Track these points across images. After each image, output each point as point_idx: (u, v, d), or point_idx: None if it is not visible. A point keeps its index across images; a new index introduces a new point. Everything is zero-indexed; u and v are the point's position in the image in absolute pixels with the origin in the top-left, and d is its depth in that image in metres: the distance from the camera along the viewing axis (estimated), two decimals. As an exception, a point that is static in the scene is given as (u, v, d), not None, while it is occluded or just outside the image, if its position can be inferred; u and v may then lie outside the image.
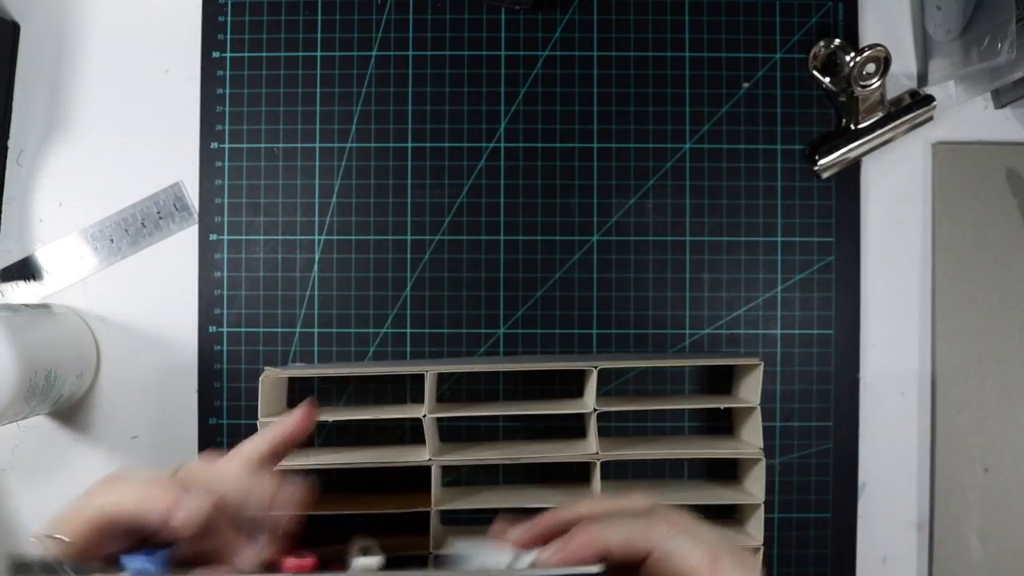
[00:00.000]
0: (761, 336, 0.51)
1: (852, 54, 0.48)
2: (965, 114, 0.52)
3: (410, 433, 0.51)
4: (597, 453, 0.46)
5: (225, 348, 0.51)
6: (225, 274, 0.51)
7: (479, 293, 0.51)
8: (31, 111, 0.52)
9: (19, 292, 0.52)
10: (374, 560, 0.30)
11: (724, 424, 0.52)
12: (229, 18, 0.52)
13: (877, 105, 0.50)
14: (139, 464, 0.52)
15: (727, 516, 0.51)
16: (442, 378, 0.51)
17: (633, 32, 0.52)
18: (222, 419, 0.51)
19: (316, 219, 0.52)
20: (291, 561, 0.29)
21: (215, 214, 0.52)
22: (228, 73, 0.52)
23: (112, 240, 0.52)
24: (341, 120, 0.52)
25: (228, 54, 0.52)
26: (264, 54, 0.52)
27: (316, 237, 0.52)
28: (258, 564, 0.29)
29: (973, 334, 0.51)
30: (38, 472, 0.52)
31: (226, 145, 0.52)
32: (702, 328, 0.51)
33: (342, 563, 0.30)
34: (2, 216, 0.52)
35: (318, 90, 0.52)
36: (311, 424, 0.37)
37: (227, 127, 0.52)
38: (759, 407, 0.47)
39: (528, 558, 0.32)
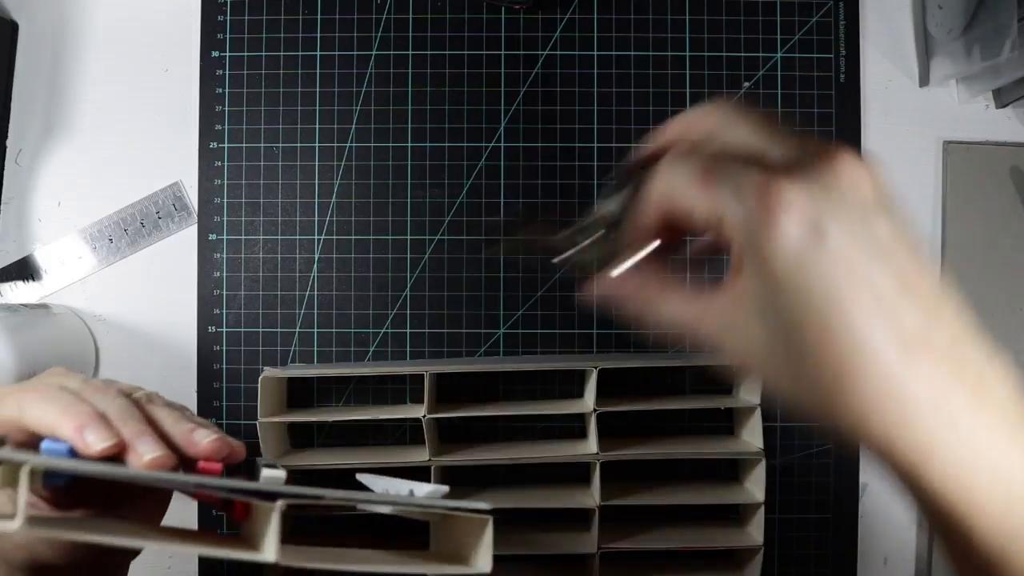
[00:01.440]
0: (762, 336, 0.51)
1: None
2: (966, 113, 0.52)
3: (410, 433, 0.51)
4: (597, 453, 0.46)
5: (224, 348, 0.51)
6: (224, 274, 0.51)
7: (479, 293, 0.51)
8: (30, 110, 0.52)
9: (18, 292, 0.52)
10: (280, 473, 0.29)
11: (724, 424, 0.52)
12: (228, 17, 0.52)
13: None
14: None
15: (727, 516, 0.51)
16: (442, 378, 0.51)
17: (633, 32, 0.52)
18: (221, 419, 0.51)
19: (316, 219, 0.51)
20: (202, 464, 0.30)
21: (214, 214, 0.51)
22: (227, 72, 0.52)
23: (111, 240, 0.52)
24: (341, 120, 0.52)
25: (227, 53, 0.52)
26: (263, 54, 0.52)
27: (316, 237, 0.51)
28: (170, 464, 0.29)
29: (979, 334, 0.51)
30: (37, 472, 0.52)
31: (225, 145, 0.51)
32: (702, 328, 0.51)
33: (252, 474, 0.30)
34: (1, 216, 0.52)
35: (318, 90, 0.52)
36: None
37: (226, 127, 0.51)
38: (760, 407, 0.47)
39: (426, 489, 0.31)
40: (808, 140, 0.24)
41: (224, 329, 0.51)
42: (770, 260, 0.21)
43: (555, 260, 0.28)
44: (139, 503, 0.34)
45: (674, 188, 0.24)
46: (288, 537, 0.26)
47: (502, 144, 0.52)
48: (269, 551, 0.26)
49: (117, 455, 0.28)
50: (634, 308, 0.27)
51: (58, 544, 0.29)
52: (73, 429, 0.28)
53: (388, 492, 0.33)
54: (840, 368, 0.21)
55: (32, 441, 0.29)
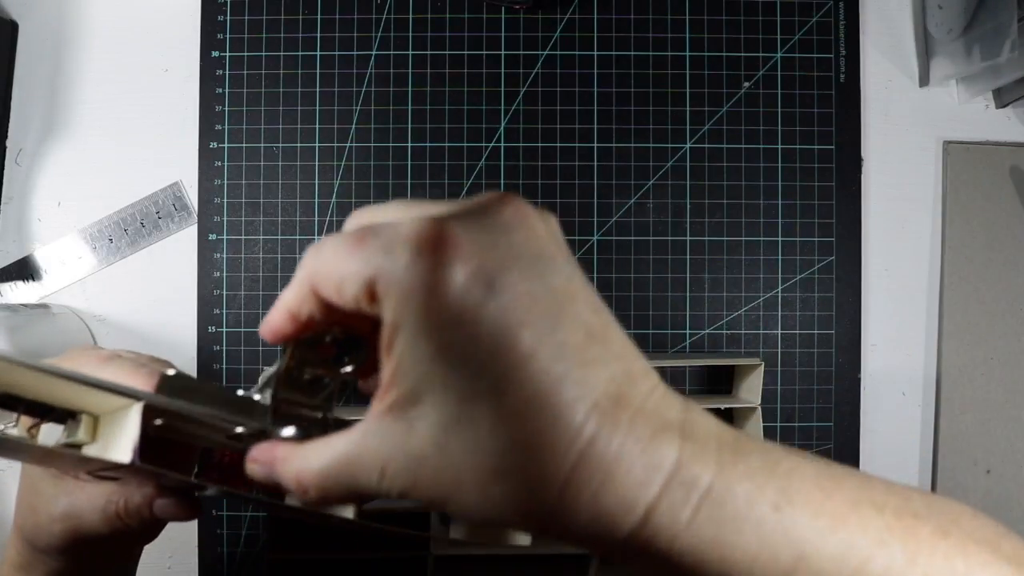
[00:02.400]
0: (762, 336, 0.51)
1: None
2: (966, 113, 0.52)
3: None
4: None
5: (224, 348, 0.51)
6: (224, 274, 0.51)
7: (479, 293, 0.51)
8: (30, 110, 0.52)
9: (18, 292, 0.52)
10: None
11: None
12: (228, 17, 0.52)
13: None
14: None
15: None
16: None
17: (633, 32, 0.52)
18: (221, 419, 0.51)
19: (316, 219, 0.51)
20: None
21: (214, 214, 0.51)
22: (227, 72, 0.52)
23: (111, 240, 0.52)
24: (341, 120, 0.52)
25: (227, 53, 0.52)
26: (263, 54, 0.52)
27: (316, 237, 0.51)
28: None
29: (980, 335, 0.51)
30: (36, 472, 0.52)
31: (225, 145, 0.51)
32: (702, 328, 0.51)
33: None
34: (1, 216, 0.52)
35: (318, 90, 0.52)
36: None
37: (226, 127, 0.51)
38: (760, 407, 0.47)
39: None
40: (471, 197, 0.20)
41: (224, 329, 0.51)
42: (434, 317, 0.18)
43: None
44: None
45: (322, 262, 0.20)
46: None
47: (502, 144, 0.52)
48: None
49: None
50: (262, 476, 0.22)
51: (111, 512, 0.29)
52: (150, 389, 0.28)
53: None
54: (527, 444, 0.17)
55: None
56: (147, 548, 0.34)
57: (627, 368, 0.19)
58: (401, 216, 0.20)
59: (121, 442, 0.24)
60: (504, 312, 0.18)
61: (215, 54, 0.52)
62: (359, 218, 0.22)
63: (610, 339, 0.19)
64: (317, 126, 0.52)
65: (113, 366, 0.29)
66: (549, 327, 0.18)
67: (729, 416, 0.51)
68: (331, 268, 0.19)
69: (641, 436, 0.18)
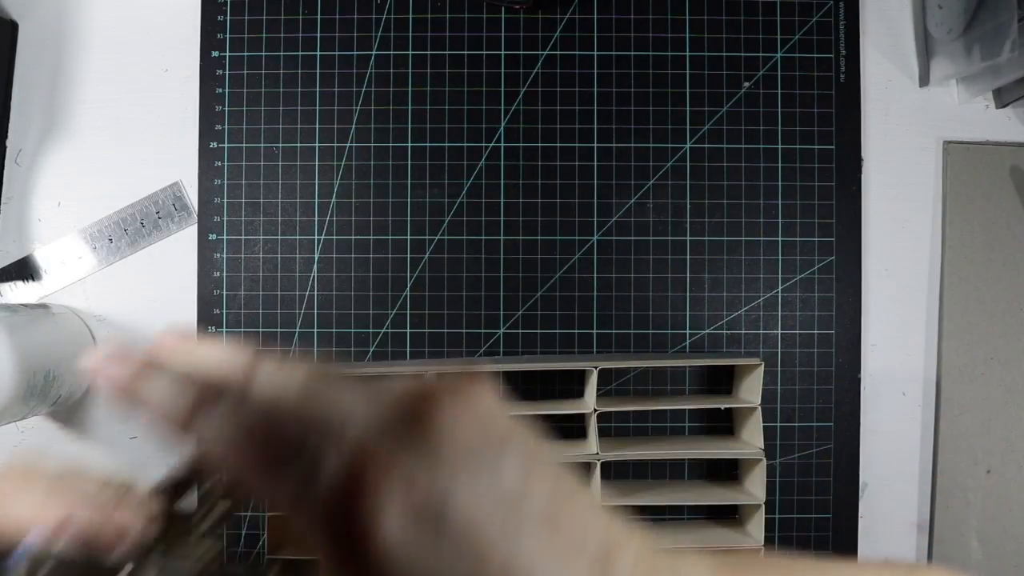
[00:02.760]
0: (762, 336, 0.51)
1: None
2: (966, 113, 0.52)
3: (410, 433, 0.51)
4: (597, 453, 0.46)
5: (224, 348, 0.51)
6: (224, 274, 0.51)
7: (479, 293, 0.51)
8: (30, 110, 0.52)
9: (18, 292, 0.52)
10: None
11: (725, 424, 0.52)
12: (228, 17, 0.52)
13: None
14: (138, 463, 0.51)
15: (728, 516, 0.51)
16: (442, 378, 0.51)
17: (633, 32, 0.52)
18: (221, 419, 0.51)
19: (315, 219, 0.51)
20: None
21: (214, 214, 0.51)
22: (227, 72, 0.52)
23: (111, 240, 0.52)
24: (341, 120, 0.52)
25: (227, 53, 0.52)
26: (263, 53, 0.52)
27: (316, 237, 0.51)
28: None
29: (979, 335, 0.51)
30: (37, 472, 0.52)
31: (225, 145, 0.51)
32: (702, 328, 0.51)
33: None
34: (1, 216, 0.52)
35: (318, 90, 0.52)
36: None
37: (226, 126, 0.51)
38: (760, 407, 0.47)
39: None
40: (388, 386, 0.18)
41: (224, 329, 0.51)
42: (374, 567, 0.15)
43: None
44: None
45: (218, 449, 0.18)
46: None
47: (502, 144, 0.52)
48: None
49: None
50: None
51: None
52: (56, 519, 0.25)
53: None
54: None
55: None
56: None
57: (604, 547, 0.17)
58: (300, 398, 0.18)
59: None
60: (461, 540, 0.16)
61: (215, 54, 0.52)
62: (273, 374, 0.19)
63: (578, 518, 0.17)
64: (317, 126, 0.52)
65: (26, 494, 0.26)
66: (513, 535, 0.16)
67: (729, 416, 0.51)
68: (234, 466, 0.18)
69: None
